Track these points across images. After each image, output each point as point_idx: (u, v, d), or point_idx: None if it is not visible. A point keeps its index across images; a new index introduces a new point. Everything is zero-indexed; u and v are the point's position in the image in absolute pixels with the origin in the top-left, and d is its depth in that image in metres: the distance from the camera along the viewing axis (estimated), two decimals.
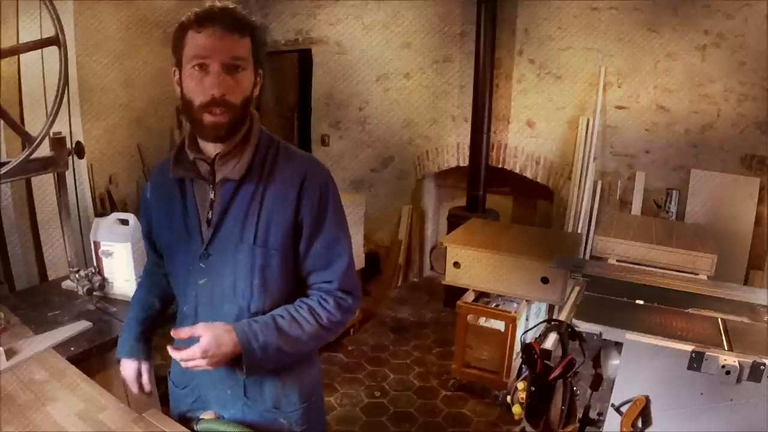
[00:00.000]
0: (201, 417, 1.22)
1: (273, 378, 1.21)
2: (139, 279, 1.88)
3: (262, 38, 1.12)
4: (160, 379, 1.83)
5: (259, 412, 1.22)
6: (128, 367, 1.32)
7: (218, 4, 1.05)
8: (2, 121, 2.01)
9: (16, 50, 2.49)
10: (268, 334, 1.10)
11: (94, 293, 1.86)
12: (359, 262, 3.54)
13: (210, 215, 1.15)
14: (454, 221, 3.97)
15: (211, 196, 1.15)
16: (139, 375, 1.32)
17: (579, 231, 3.87)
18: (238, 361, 1.12)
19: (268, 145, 1.18)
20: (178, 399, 1.32)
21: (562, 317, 1.75)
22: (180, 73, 1.09)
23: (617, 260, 2.43)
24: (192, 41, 1.04)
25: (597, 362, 1.61)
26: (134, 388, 1.33)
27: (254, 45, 1.09)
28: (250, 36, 1.07)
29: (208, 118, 1.06)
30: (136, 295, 1.42)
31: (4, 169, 1.63)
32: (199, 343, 1.06)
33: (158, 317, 1.38)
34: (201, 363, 1.06)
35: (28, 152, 1.68)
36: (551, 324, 1.70)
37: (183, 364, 1.08)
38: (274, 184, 1.14)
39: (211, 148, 1.14)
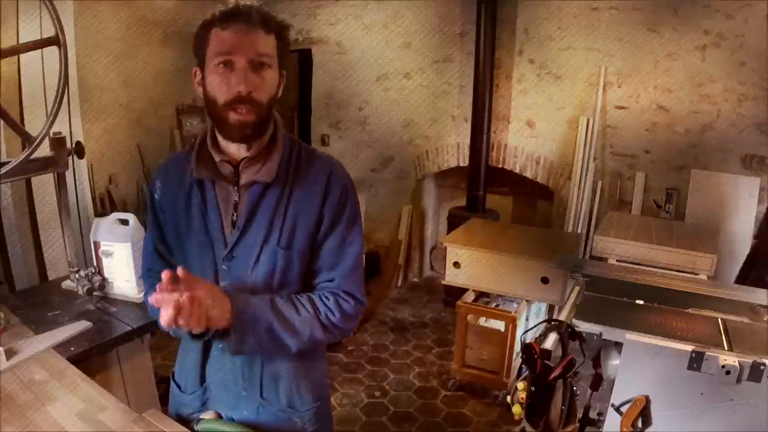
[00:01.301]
0: (201, 417, 1.22)
1: (287, 377, 1.21)
2: (139, 276, 1.88)
3: (286, 37, 1.11)
4: (161, 380, 1.84)
5: (273, 412, 1.22)
6: None
7: (242, 2, 1.05)
8: (2, 121, 2.01)
9: (16, 50, 2.48)
10: (262, 307, 1.08)
11: (94, 293, 1.86)
12: None
13: (235, 217, 1.14)
14: (454, 221, 3.97)
15: (236, 198, 1.14)
16: None
17: (579, 231, 3.87)
18: (258, 367, 1.13)
19: (291, 147, 1.17)
20: (182, 403, 1.29)
21: (562, 317, 1.75)
22: (203, 73, 1.08)
23: (617, 260, 2.43)
24: (217, 38, 1.03)
25: (597, 362, 1.61)
26: None
27: (280, 43, 1.08)
28: (276, 34, 1.07)
29: (233, 116, 1.04)
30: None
31: (4, 169, 1.63)
32: (204, 283, 1.02)
33: None
34: (199, 294, 0.97)
35: (28, 152, 1.68)
36: (551, 324, 1.70)
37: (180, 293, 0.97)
38: (299, 185, 1.14)
39: (234, 150, 1.13)
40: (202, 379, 1.24)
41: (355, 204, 1.19)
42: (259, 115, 1.06)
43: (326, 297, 1.15)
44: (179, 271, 0.98)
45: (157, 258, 1.26)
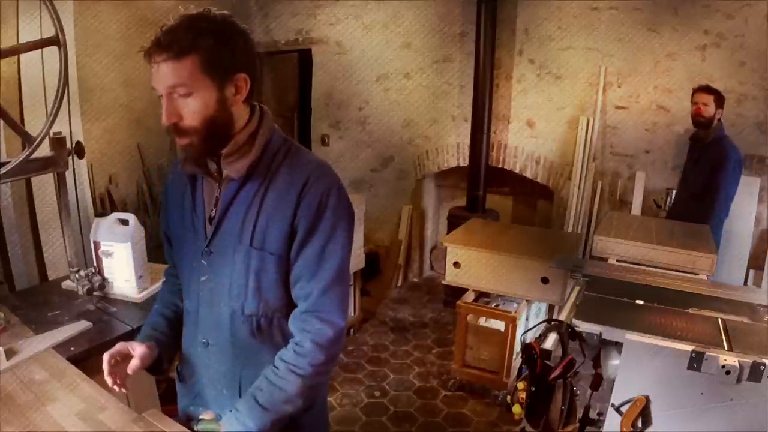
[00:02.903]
0: (201, 417, 1.22)
1: None
2: (139, 276, 1.89)
3: (217, 46, 1.01)
4: (160, 380, 1.83)
5: None
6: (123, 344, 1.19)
7: (168, 24, 1.01)
8: (2, 121, 2.01)
9: (16, 50, 2.49)
10: (257, 418, 1.07)
11: (94, 293, 1.86)
12: (359, 262, 3.54)
13: (213, 213, 1.15)
14: (454, 221, 3.97)
15: (217, 193, 1.15)
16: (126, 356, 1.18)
17: (579, 231, 3.87)
18: (238, 368, 1.16)
19: (279, 145, 1.14)
20: (181, 392, 1.33)
21: (562, 317, 1.75)
22: None
23: (617, 260, 2.42)
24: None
25: (597, 362, 1.61)
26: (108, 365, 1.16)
27: (206, 60, 1.00)
28: (196, 53, 0.99)
29: (177, 141, 1.07)
30: (158, 296, 1.41)
31: (4, 169, 1.63)
32: None
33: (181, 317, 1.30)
34: None
35: (28, 152, 1.68)
36: (551, 324, 1.70)
37: None
38: (276, 186, 1.11)
39: None
40: (192, 371, 1.27)
41: (336, 212, 1.11)
42: (198, 138, 1.05)
43: (301, 345, 1.10)
44: None
45: (169, 249, 1.33)
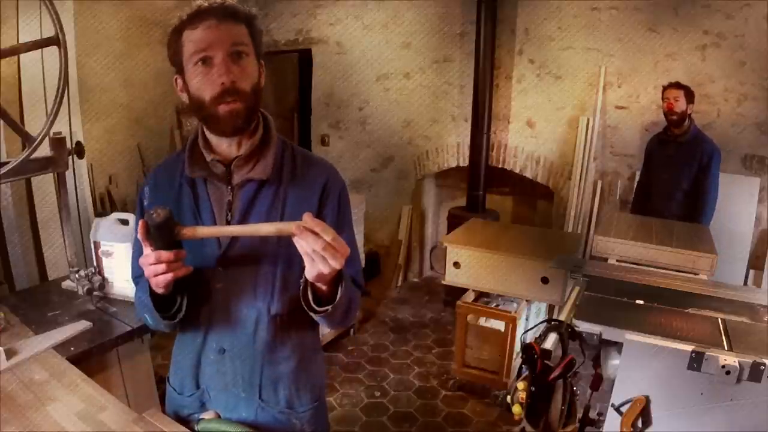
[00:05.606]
0: (201, 417, 1.22)
1: (287, 379, 1.21)
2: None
3: (257, 26, 1.11)
4: (161, 380, 1.83)
5: (272, 414, 1.21)
6: None
7: (206, 4, 1.04)
8: (2, 121, 2.01)
9: (16, 50, 2.48)
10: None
11: (94, 293, 1.86)
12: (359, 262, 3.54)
13: (229, 217, 1.13)
14: (454, 221, 3.97)
15: (229, 197, 1.14)
16: None
17: (579, 231, 3.87)
18: (258, 369, 1.16)
19: (284, 147, 1.18)
20: (181, 405, 1.27)
21: (562, 317, 1.75)
22: (183, 78, 1.09)
23: (617, 260, 2.43)
24: (190, 39, 1.04)
25: (597, 362, 1.61)
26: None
27: (252, 32, 1.09)
28: (246, 23, 1.07)
29: (223, 108, 1.05)
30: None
31: (4, 169, 1.64)
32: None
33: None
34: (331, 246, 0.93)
35: (28, 152, 1.68)
36: (551, 324, 1.70)
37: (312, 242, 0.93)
38: (295, 186, 1.14)
39: (225, 149, 1.13)
40: (199, 381, 1.23)
41: (349, 206, 1.24)
42: (246, 103, 1.07)
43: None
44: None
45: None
